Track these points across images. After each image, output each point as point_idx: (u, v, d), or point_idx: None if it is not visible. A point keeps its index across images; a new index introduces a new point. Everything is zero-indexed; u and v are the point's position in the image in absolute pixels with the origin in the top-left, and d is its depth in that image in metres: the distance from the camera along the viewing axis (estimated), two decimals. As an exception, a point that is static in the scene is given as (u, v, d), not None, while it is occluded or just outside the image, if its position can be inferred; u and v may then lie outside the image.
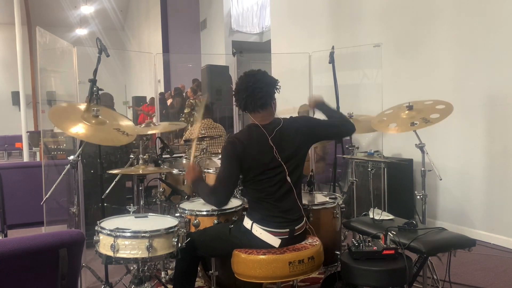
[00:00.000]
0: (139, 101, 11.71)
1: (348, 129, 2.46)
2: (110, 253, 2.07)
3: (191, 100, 8.01)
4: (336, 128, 2.46)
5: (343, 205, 2.86)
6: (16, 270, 1.38)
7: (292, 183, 2.28)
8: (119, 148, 4.27)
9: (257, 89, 2.25)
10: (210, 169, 3.18)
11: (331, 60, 3.80)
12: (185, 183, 3.33)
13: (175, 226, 2.18)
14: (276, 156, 2.26)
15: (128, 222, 2.29)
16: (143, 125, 3.41)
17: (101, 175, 2.97)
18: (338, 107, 3.85)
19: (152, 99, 11.02)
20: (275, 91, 2.34)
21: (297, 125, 2.37)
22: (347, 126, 2.45)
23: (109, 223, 2.22)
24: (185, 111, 7.39)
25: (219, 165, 3.33)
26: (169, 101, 10.40)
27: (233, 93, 2.38)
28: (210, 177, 3.15)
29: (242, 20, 11.19)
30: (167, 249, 2.13)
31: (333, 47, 3.82)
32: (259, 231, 2.25)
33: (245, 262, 2.19)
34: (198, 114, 5.40)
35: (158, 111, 5.38)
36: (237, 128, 4.94)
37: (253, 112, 2.32)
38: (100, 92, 2.87)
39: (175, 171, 3.41)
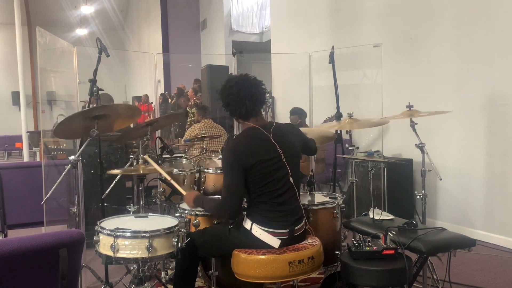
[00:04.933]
0: (139, 101, 11.72)
1: (314, 152, 2.78)
2: (110, 253, 2.07)
3: (196, 100, 8.11)
4: (311, 149, 2.68)
5: (343, 205, 2.86)
6: (16, 270, 1.38)
7: (293, 183, 2.28)
8: (119, 148, 4.28)
9: (258, 92, 2.29)
10: (210, 169, 3.17)
11: (331, 60, 3.80)
12: (185, 183, 3.33)
13: (175, 226, 2.18)
14: (280, 154, 2.25)
15: (128, 222, 2.29)
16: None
17: (101, 175, 2.97)
18: (338, 107, 3.85)
19: (146, 96, 11.05)
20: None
21: (292, 130, 2.46)
22: (315, 150, 2.74)
23: (109, 223, 2.22)
24: (192, 110, 7.47)
25: (219, 165, 3.35)
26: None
27: (228, 103, 2.31)
28: (211, 177, 3.15)
29: (242, 20, 11.18)
30: (167, 249, 2.13)
31: (333, 47, 3.82)
32: (258, 232, 2.24)
33: (245, 262, 2.19)
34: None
35: (158, 110, 5.39)
36: (237, 128, 4.93)
37: (252, 117, 2.31)
38: (100, 92, 2.87)
39: (175, 171, 3.40)
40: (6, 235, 3.46)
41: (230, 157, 2.25)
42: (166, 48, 12.89)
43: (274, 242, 2.23)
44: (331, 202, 2.79)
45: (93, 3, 14.84)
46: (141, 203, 2.94)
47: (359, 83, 5.22)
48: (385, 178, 4.35)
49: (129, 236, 2.08)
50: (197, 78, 9.12)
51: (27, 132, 9.51)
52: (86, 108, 2.98)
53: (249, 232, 2.26)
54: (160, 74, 11.95)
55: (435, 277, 2.79)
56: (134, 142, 4.58)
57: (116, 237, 2.07)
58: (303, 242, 2.32)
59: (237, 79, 2.34)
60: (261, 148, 2.25)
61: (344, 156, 3.75)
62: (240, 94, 2.27)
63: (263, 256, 2.17)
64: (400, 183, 4.59)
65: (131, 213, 2.40)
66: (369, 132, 5.17)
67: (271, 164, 2.24)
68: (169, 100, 10.52)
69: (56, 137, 2.57)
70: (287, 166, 2.26)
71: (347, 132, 3.95)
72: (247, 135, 2.31)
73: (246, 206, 2.39)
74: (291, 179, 2.27)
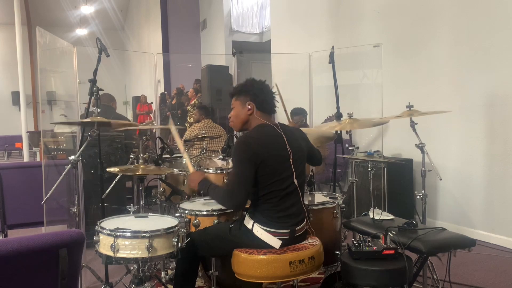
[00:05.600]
0: (137, 101, 11.71)
1: (318, 164, 2.73)
2: (110, 253, 2.07)
3: (196, 100, 8.12)
4: (315, 160, 2.64)
5: (343, 205, 2.86)
6: (16, 270, 1.38)
7: (298, 185, 2.28)
8: (119, 148, 4.27)
9: (271, 94, 2.42)
10: (210, 169, 3.17)
11: (331, 60, 3.80)
12: (185, 183, 3.33)
13: (175, 226, 2.18)
14: (289, 154, 2.26)
15: (128, 222, 2.29)
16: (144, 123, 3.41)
17: (101, 175, 2.97)
18: (338, 107, 3.85)
19: (144, 97, 11.05)
20: None
21: (301, 134, 2.48)
22: (319, 162, 2.69)
23: (109, 223, 2.22)
24: (193, 110, 7.49)
25: (219, 165, 3.35)
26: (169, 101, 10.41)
27: (258, 91, 2.37)
28: (211, 177, 3.14)
29: (242, 20, 11.18)
30: (167, 249, 2.13)
31: (333, 47, 3.82)
32: (260, 231, 2.24)
33: (245, 262, 2.19)
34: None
35: (158, 111, 5.38)
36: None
37: (268, 114, 2.37)
38: (100, 92, 2.87)
39: (175, 171, 3.41)
40: (6, 235, 3.46)
41: (243, 149, 2.22)
42: (166, 48, 12.89)
43: (275, 242, 2.23)
44: (331, 202, 2.80)
45: (93, 3, 14.84)
46: (141, 203, 2.94)
47: (359, 83, 5.22)
48: (385, 178, 4.35)
49: (129, 236, 2.08)
50: (197, 78, 9.13)
51: (27, 132, 9.52)
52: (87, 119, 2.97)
53: (250, 232, 2.26)
54: (160, 74, 11.95)
55: (435, 277, 2.79)
56: (134, 142, 4.58)
57: (116, 237, 2.07)
58: (303, 242, 2.32)
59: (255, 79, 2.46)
60: (273, 143, 2.25)
61: (344, 156, 3.75)
62: (266, 89, 2.40)
63: (263, 256, 2.17)
64: (400, 183, 4.59)
65: (131, 213, 2.40)
66: (369, 132, 5.17)
67: (280, 162, 2.24)
68: (168, 100, 10.51)
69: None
70: (293, 167, 2.26)
71: (347, 132, 3.95)
72: (260, 130, 2.31)
73: (248, 206, 2.38)
74: (296, 180, 2.27)
